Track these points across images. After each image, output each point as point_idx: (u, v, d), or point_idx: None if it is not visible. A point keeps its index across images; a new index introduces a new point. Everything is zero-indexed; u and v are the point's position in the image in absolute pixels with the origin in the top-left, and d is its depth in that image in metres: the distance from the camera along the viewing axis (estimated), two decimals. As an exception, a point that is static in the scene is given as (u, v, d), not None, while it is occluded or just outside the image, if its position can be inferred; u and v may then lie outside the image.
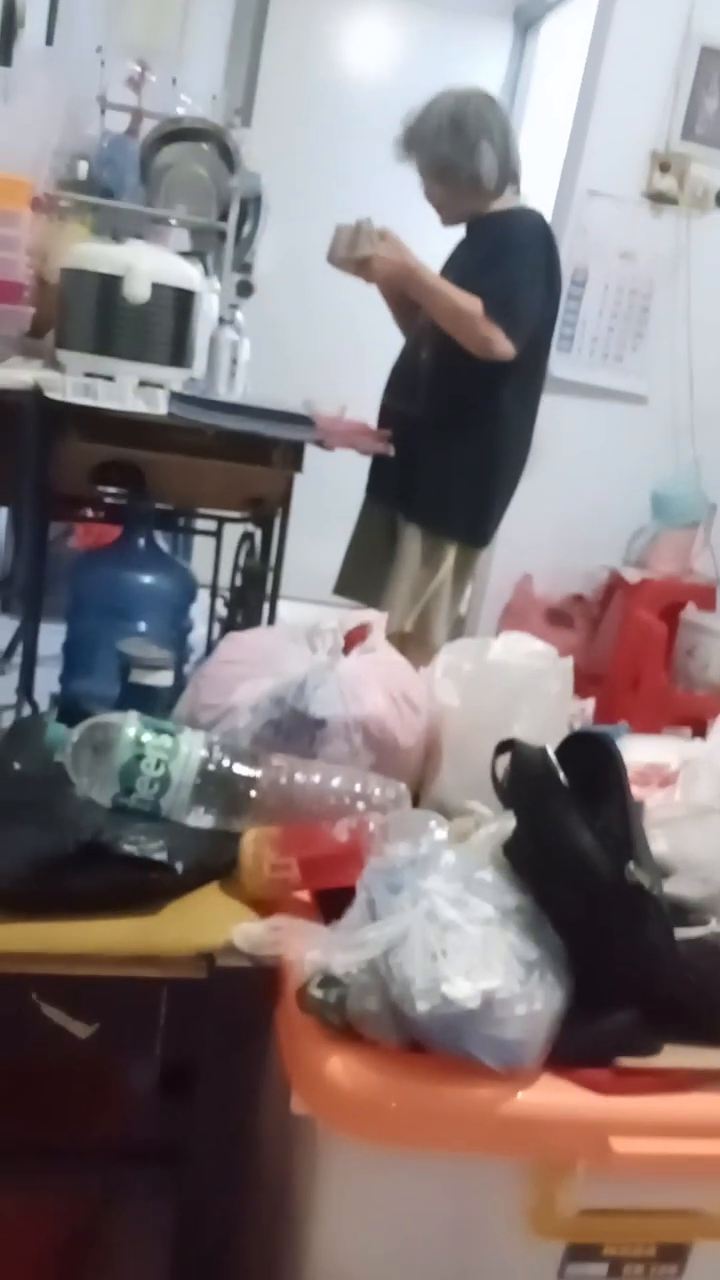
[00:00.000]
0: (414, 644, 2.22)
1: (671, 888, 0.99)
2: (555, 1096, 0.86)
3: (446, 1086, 0.84)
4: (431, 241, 2.36)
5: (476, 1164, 0.89)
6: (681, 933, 0.94)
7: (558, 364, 3.39)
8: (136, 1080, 1.26)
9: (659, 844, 1.04)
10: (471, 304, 2.17)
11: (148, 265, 1.98)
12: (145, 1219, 1.11)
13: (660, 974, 0.91)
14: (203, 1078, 0.95)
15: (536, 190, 2.97)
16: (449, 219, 2.37)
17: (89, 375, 1.97)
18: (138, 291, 1.95)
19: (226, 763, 1.07)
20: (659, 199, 3.39)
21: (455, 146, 2.24)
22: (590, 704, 1.54)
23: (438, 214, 2.37)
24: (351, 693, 1.19)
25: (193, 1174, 0.97)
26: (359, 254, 2.18)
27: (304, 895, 1.02)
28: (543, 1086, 0.86)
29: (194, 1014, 0.92)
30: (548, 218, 2.43)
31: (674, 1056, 0.90)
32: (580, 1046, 0.88)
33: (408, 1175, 0.89)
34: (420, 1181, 0.90)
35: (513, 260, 2.25)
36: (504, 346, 2.19)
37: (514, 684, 1.23)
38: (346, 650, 1.28)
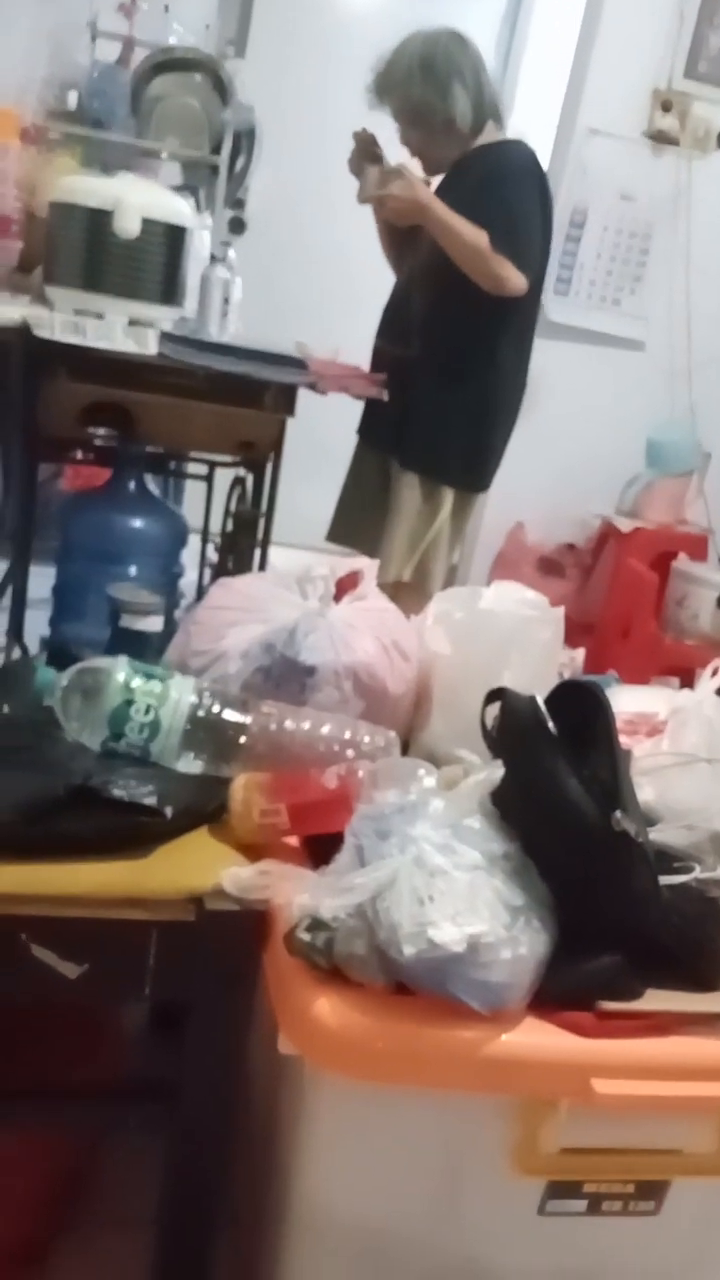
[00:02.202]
0: (411, 593, 2.21)
1: (657, 835, 1.00)
2: (538, 1038, 0.87)
3: (432, 1027, 0.85)
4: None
5: (461, 1103, 0.90)
6: (666, 879, 0.95)
7: (555, 307, 3.35)
8: (128, 1019, 1.28)
9: (646, 792, 1.05)
10: (481, 238, 2.13)
11: (138, 199, 1.94)
12: (137, 1155, 1.13)
13: (645, 920, 0.92)
14: (193, 1018, 0.96)
15: (535, 128, 2.91)
16: (431, 167, 2.30)
17: (78, 312, 1.94)
18: (128, 226, 1.91)
19: (216, 709, 1.07)
20: (660, 139, 3.33)
21: (427, 89, 2.18)
22: (580, 653, 1.54)
23: (419, 162, 2.30)
24: (342, 640, 1.19)
25: (184, 1112, 0.99)
26: (386, 191, 2.15)
27: (293, 841, 1.02)
28: (526, 1028, 0.87)
29: (183, 956, 0.93)
30: (546, 156, 2.38)
31: (656, 1000, 0.92)
32: (564, 989, 0.89)
33: (393, 1113, 0.91)
34: (405, 1119, 0.91)
35: (509, 192, 2.20)
36: (516, 281, 2.16)
37: (505, 633, 1.23)
38: (338, 597, 1.28)
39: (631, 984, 0.92)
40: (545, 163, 2.39)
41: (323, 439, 2.43)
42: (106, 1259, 1.17)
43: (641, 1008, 0.90)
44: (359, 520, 2.46)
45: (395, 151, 2.28)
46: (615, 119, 3.30)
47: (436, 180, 2.30)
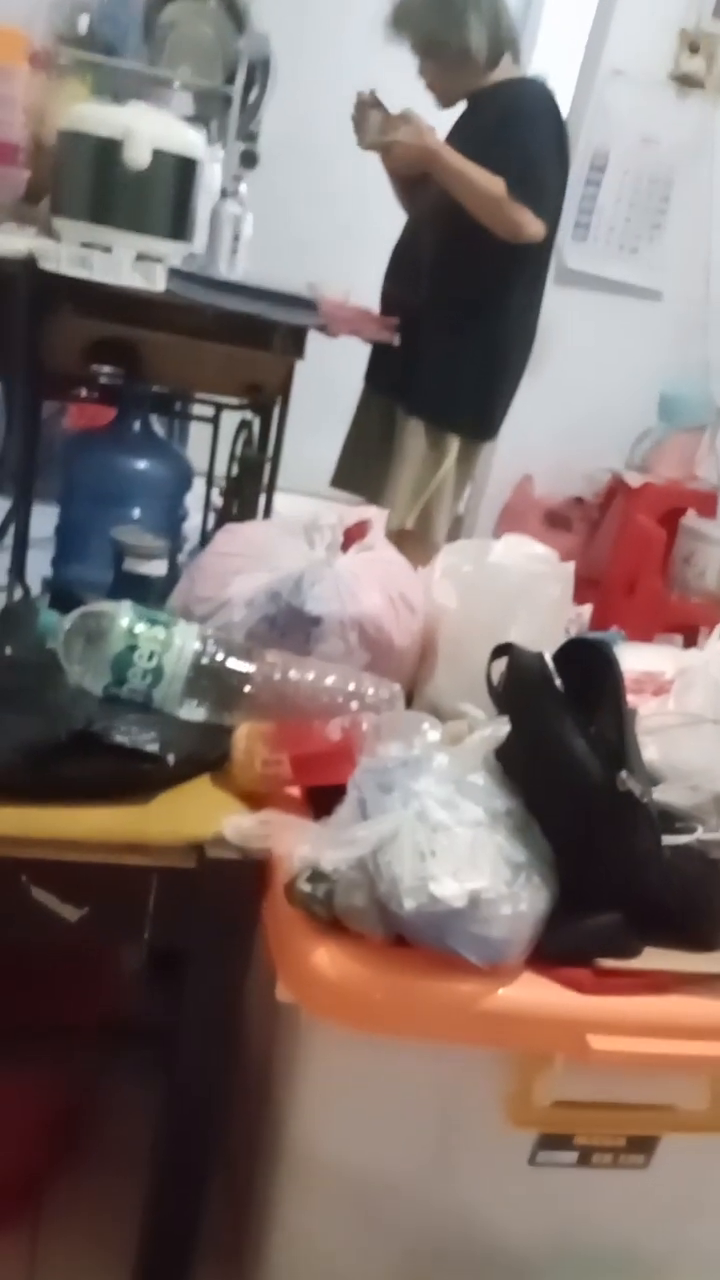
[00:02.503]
0: (414, 541, 2.19)
1: (661, 795, 0.99)
2: (536, 993, 0.87)
3: (430, 980, 0.85)
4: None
5: (456, 1055, 0.91)
6: (668, 839, 0.95)
7: (572, 254, 3.28)
8: (126, 961, 1.29)
9: (650, 751, 1.04)
10: (496, 184, 2.08)
11: (149, 129, 1.89)
12: (134, 1098, 1.14)
13: (646, 880, 0.92)
14: (191, 965, 0.96)
15: (558, 68, 2.83)
16: (445, 100, 2.26)
17: (85, 245, 1.90)
18: (138, 157, 1.87)
19: (220, 657, 1.06)
20: (686, 82, 3.23)
21: (442, 21, 2.14)
22: (587, 609, 1.53)
23: (434, 96, 2.25)
24: (348, 591, 1.17)
25: (181, 1057, 0.99)
26: (391, 138, 2.11)
27: (295, 791, 1.02)
28: (524, 983, 0.87)
29: (183, 903, 0.93)
30: (568, 97, 2.31)
31: (654, 959, 0.92)
32: (563, 946, 0.89)
33: (388, 1064, 0.91)
34: (400, 1070, 0.92)
35: (525, 132, 2.15)
36: (534, 227, 2.11)
37: (513, 587, 1.22)
38: (345, 547, 1.26)
39: (631, 942, 0.92)
40: (567, 104, 2.35)
41: (331, 385, 2.39)
42: (101, 1199, 1.19)
43: (640, 966, 0.91)
44: (363, 466, 2.43)
45: (406, 91, 2.22)
46: (640, 60, 3.20)
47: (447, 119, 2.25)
